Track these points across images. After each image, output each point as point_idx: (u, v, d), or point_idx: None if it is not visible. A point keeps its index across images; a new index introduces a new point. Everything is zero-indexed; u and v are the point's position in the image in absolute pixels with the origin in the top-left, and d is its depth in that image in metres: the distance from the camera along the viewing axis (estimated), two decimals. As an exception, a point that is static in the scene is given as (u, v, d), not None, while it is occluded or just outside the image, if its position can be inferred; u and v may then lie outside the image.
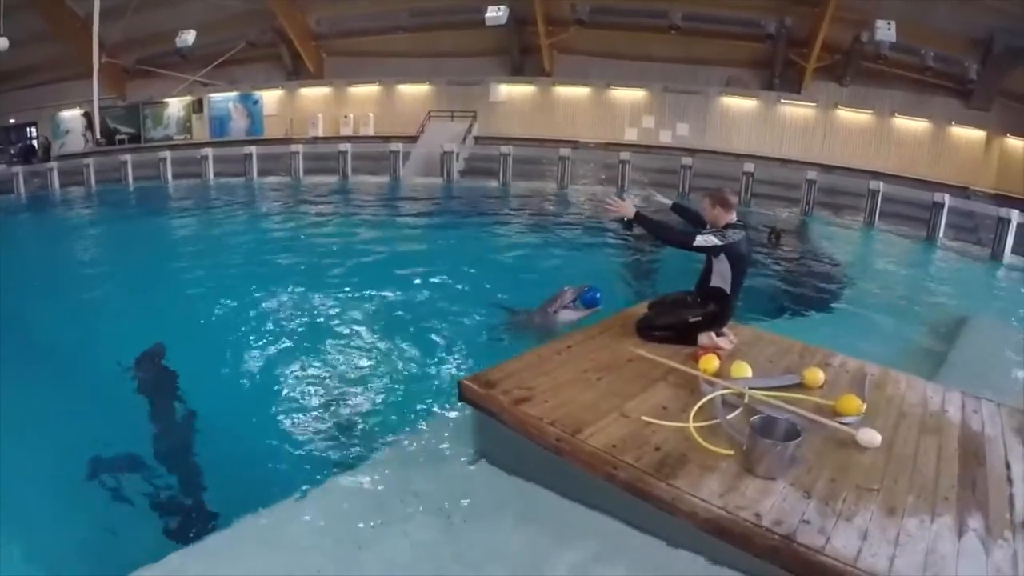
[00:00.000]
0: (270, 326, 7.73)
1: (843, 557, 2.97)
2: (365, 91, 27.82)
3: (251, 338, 7.36)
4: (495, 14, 23.40)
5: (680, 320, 5.43)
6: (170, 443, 5.56)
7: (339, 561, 3.61)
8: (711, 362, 4.75)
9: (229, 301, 8.63)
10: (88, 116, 27.61)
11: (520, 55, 26.49)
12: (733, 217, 5.39)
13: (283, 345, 7.20)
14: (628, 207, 5.32)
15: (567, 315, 7.09)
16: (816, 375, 4.70)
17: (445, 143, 22.64)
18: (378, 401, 5.97)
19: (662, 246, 6.43)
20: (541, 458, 4.05)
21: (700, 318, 5.39)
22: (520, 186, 21.08)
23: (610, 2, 23.55)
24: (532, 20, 24.60)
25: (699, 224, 5.54)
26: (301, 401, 5.99)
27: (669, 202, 6.14)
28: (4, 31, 22.92)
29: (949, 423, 4.36)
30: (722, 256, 5.26)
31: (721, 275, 5.35)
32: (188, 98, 28.59)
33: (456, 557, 3.62)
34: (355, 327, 7.69)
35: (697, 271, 5.59)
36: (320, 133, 27.23)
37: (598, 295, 7.09)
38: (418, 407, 5.77)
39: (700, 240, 5.16)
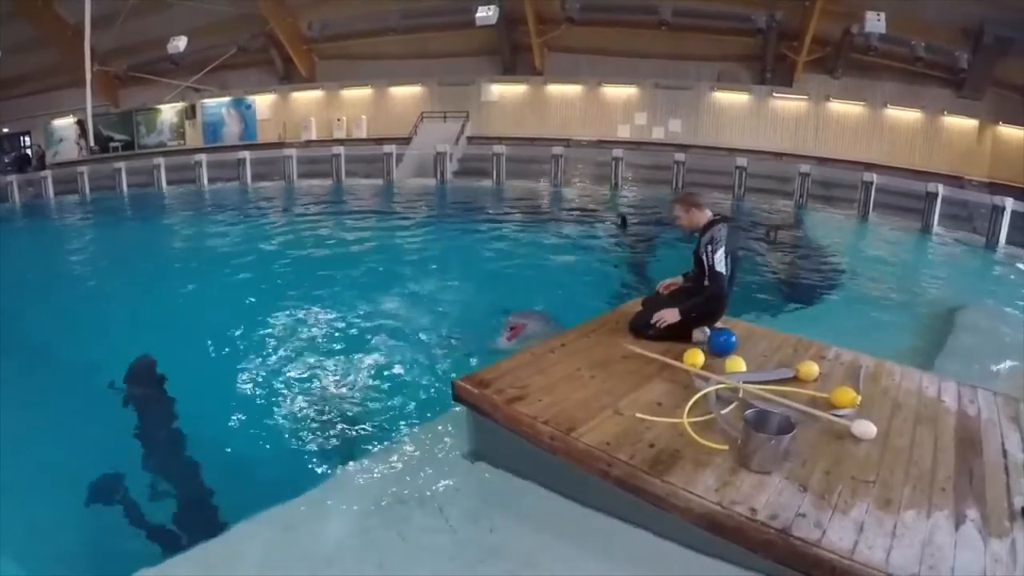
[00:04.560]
0: (264, 330, 7.70)
1: (839, 550, 2.95)
2: (357, 94, 27.79)
3: (245, 342, 7.34)
4: (486, 14, 23.35)
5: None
6: (166, 449, 5.55)
7: (335, 562, 3.61)
8: (696, 356, 4.74)
9: (224, 306, 8.64)
10: (82, 124, 27.57)
11: (511, 54, 26.48)
12: (708, 213, 5.35)
13: (277, 349, 7.18)
14: (672, 315, 5.20)
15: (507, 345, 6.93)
16: (810, 368, 4.68)
17: (438, 144, 22.65)
18: (373, 402, 5.96)
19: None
20: (535, 456, 4.03)
21: (695, 314, 5.36)
22: (514, 185, 21.10)
23: (600, -1, 23.56)
24: (523, 19, 24.64)
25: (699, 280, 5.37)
26: (296, 405, 5.98)
27: (680, 279, 5.70)
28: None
29: (945, 413, 4.35)
30: (731, 258, 5.21)
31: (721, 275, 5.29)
32: (181, 104, 28.52)
33: (452, 556, 3.61)
34: (349, 329, 7.69)
35: (690, 265, 5.54)
36: (313, 136, 27.21)
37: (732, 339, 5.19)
38: (413, 408, 5.78)
39: (719, 267, 5.12)
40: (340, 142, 24.84)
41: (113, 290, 10.28)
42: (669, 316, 5.20)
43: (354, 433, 5.45)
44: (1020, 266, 12.92)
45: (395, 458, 4.73)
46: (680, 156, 20.96)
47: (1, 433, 5.21)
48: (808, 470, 3.54)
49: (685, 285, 5.62)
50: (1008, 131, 21.47)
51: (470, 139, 25.22)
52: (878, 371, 4.96)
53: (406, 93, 27.34)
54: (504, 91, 26.63)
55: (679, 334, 5.31)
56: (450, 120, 25.85)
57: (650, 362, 4.85)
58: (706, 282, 5.21)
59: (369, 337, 7.47)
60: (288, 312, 8.30)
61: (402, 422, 5.53)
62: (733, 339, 5.10)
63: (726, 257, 5.18)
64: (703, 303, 5.24)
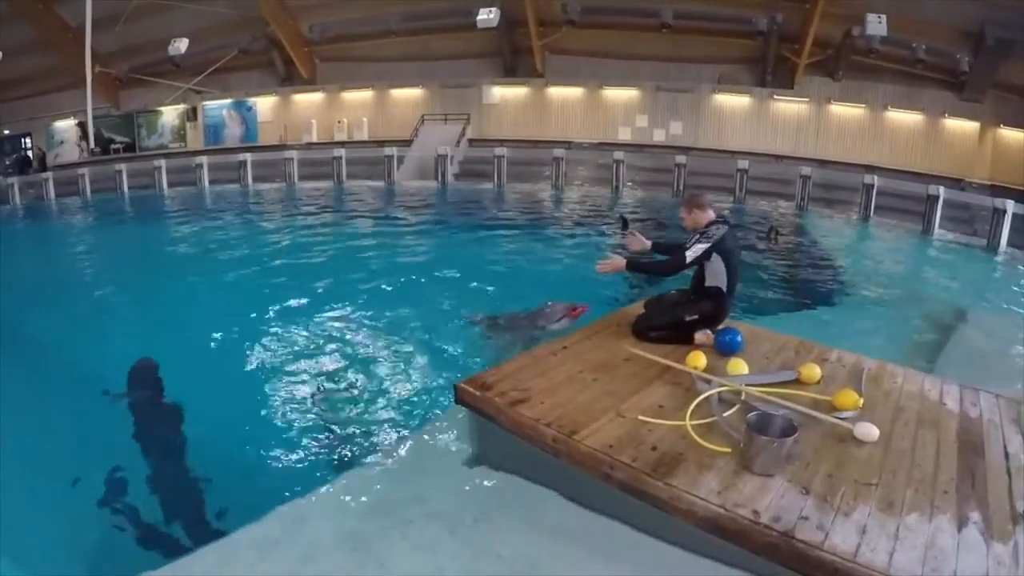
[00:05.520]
0: (265, 333, 7.68)
1: (842, 552, 2.95)
2: (358, 96, 27.82)
3: (246, 345, 7.32)
4: (486, 16, 23.36)
5: (677, 319, 5.43)
6: (166, 451, 5.53)
7: (337, 565, 3.60)
8: (698, 358, 4.75)
9: (225, 309, 8.62)
10: (82, 126, 27.61)
11: (512, 57, 26.51)
12: (712, 215, 5.46)
13: (278, 352, 7.17)
14: (619, 261, 5.57)
15: (557, 326, 7.02)
16: (813, 370, 4.69)
17: (439, 146, 22.69)
18: (375, 406, 5.94)
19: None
20: (538, 459, 4.03)
21: (697, 316, 5.39)
22: (515, 188, 21.10)
23: (601, 1, 23.56)
24: (523, 21, 24.66)
25: (698, 281, 5.56)
26: (298, 408, 5.96)
27: (649, 243, 6.01)
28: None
29: (947, 416, 4.35)
30: (714, 256, 5.30)
31: (715, 274, 5.39)
32: (182, 106, 28.56)
33: (453, 558, 3.61)
34: (351, 332, 7.67)
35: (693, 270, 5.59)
36: (314, 139, 27.24)
37: (738, 338, 5.27)
38: (415, 411, 5.76)
39: (691, 254, 5.29)
40: (341, 144, 24.89)
41: (114, 292, 10.26)
42: (616, 262, 5.59)
43: (356, 435, 5.44)
44: (1021, 268, 12.92)
45: (397, 460, 4.73)
46: (681, 158, 20.99)
47: (2, 435, 5.21)
48: (811, 473, 3.55)
49: (684, 289, 5.68)
50: (1009, 133, 21.50)
51: (471, 141, 25.25)
52: (880, 373, 4.97)
53: (407, 95, 27.36)
54: (505, 93, 26.64)
55: (681, 336, 5.35)
56: (451, 122, 25.88)
57: (652, 364, 4.85)
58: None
59: (370, 339, 7.46)
60: (290, 314, 8.29)
61: (404, 425, 5.52)
62: (739, 339, 5.17)
63: (721, 257, 5.30)
64: (653, 266, 5.70)
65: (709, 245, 5.25)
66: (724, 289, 5.38)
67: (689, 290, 5.62)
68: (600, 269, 5.67)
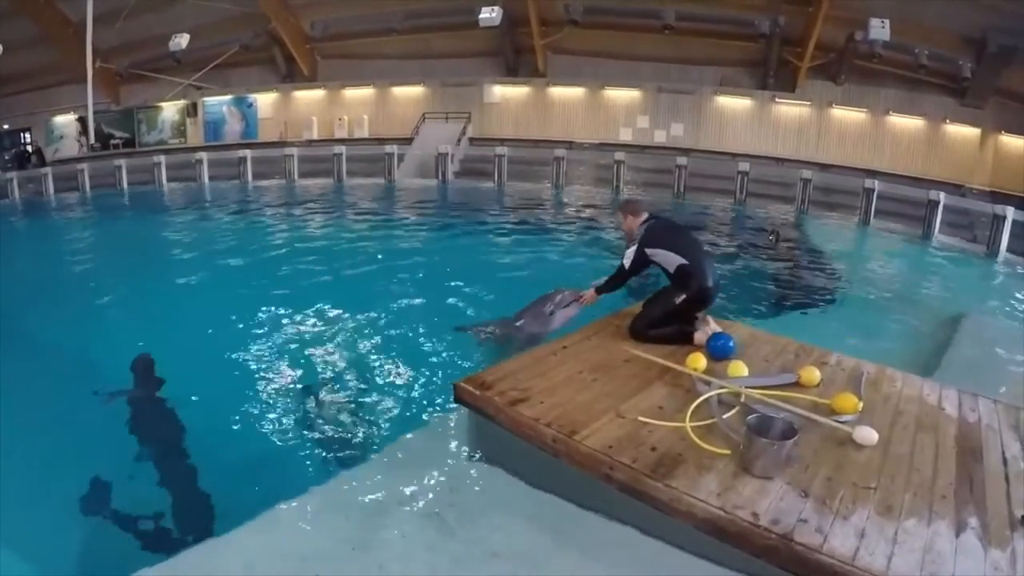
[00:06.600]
0: (263, 331, 7.68)
1: (841, 556, 2.96)
2: (359, 93, 27.82)
3: (244, 343, 7.31)
4: (489, 15, 23.38)
5: (668, 306, 5.49)
6: (166, 449, 5.53)
7: (336, 563, 3.59)
8: (698, 360, 4.76)
9: (223, 307, 8.59)
10: (82, 121, 27.59)
11: (514, 56, 26.51)
12: (643, 216, 5.75)
13: (276, 350, 7.16)
14: (590, 293, 6.26)
15: (565, 314, 6.96)
16: (812, 374, 4.69)
17: (440, 144, 22.68)
18: (374, 404, 5.94)
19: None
20: (537, 459, 4.03)
21: (684, 295, 5.44)
22: (515, 187, 21.09)
23: (603, 2, 23.57)
24: (526, 21, 24.64)
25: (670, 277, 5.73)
26: (296, 405, 5.96)
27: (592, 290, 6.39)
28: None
29: (946, 420, 4.35)
30: (651, 250, 5.53)
31: (670, 261, 5.50)
32: (182, 102, 28.56)
33: (453, 558, 3.60)
34: (350, 330, 7.66)
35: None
36: (315, 136, 27.21)
37: (730, 343, 5.23)
38: (414, 409, 5.76)
39: (626, 261, 5.66)
40: (342, 141, 24.83)
41: (112, 288, 10.25)
42: (590, 293, 6.28)
43: (355, 434, 5.44)
44: (1021, 274, 12.93)
45: (396, 460, 4.71)
46: (682, 160, 20.98)
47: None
48: (810, 476, 3.55)
49: (664, 287, 5.74)
50: (1010, 140, 21.53)
51: (472, 140, 25.23)
52: (879, 377, 4.97)
53: (408, 93, 27.37)
54: (506, 93, 26.65)
55: (682, 336, 5.36)
56: (452, 121, 25.86)
57: (652, 365, 4.86)
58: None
59: (369, 338, 7.45)
60: (289, 312, 8.28)
61: (403, 424, 5.51)
62: (731, 344, 5.17)
63: (659, 247, 5.53)
64: (610, 280, 5.94)
65: (636, 246, 5.57)
66: (687, 263, 5.44)
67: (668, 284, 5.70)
68: (584, 303, 6.40)
